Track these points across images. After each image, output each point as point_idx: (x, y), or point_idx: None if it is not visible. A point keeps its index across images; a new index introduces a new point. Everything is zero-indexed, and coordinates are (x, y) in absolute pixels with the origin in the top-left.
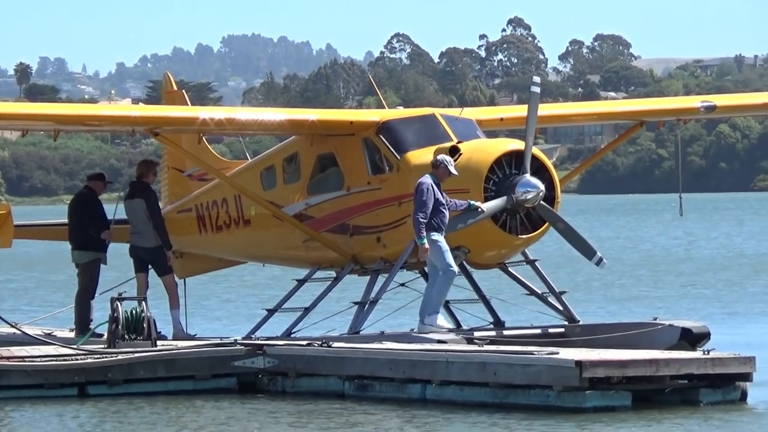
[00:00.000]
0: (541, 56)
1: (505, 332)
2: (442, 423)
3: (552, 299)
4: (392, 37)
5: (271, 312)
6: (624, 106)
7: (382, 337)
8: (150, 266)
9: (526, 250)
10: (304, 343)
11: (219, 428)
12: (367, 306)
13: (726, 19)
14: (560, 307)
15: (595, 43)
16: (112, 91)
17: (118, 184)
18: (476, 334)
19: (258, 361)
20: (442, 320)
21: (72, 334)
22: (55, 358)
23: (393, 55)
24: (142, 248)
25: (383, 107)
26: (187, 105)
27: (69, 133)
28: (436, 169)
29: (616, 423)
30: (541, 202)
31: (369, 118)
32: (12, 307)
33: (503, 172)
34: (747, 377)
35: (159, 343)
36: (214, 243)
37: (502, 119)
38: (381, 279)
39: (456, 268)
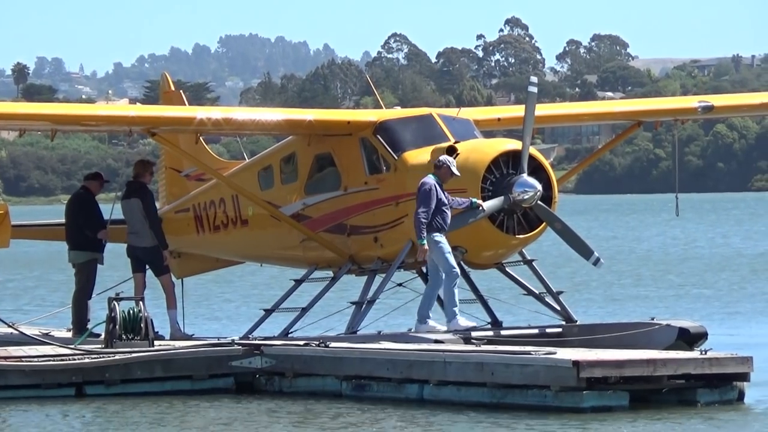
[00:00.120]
0: (538, 56)
1: (503, 332)
2: (442, 423)
3: (549, 299)
4: (389, 37)
5: (268, 312)
6: (621, 107)
7: (379, 337)
8: (147, 266)
9: (523, 250)
10: (302, 343)
11: (219, 428)
12: (364, 306)
13: (723, 19)
14: (558, 307)
15: (593, 43)
16: (110, 91)
17: (116, 183)
18: (474, 334)
19: (255, 361)
20: (465, 321)
21: (69, 334)
22: (52, 358)
23: (390, 55)
24: (139, 248)
25: (380, 107)
26: (185, 105)
27: (66, 133)
28: (439, 169)
29: (613, 423)
30: (539, 202)
31: (366, 118)
32: (14, 306)
33: (500, 172)
34: (744, 377)
35: (156, 343)
36: (212, 243)
37: (499, 119)
38: (378, 279)
39: (458, 270)
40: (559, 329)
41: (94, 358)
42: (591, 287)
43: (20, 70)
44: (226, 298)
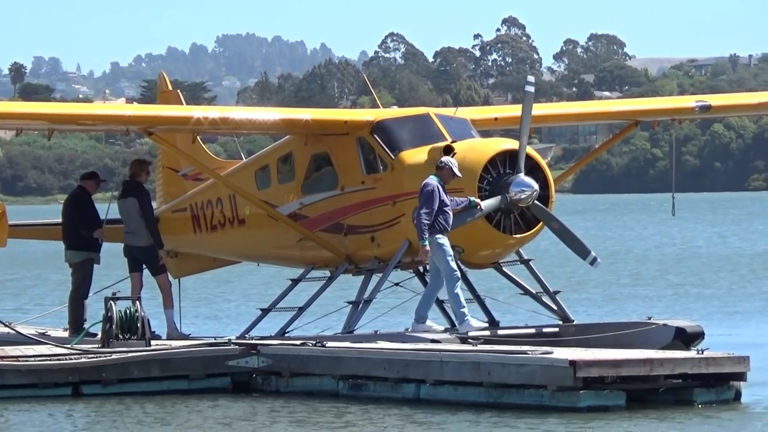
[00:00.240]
0: (535, 56)
1: (500, 332)
2: (443, 423)
3: (546, 299)
4: (386, 37)
5: (265, 311)
6: (619, 106)
7: (376, 336)
8: (144, 266)
9: (520, 249)
10: (299, 342)
11: (218, 428)
12: (361, 305)
13: (720, 19)
14: (554, 307)
15: (590, 43)
16: (107, 91)
17: (112, 183)
18: (470, 333)
19: (252, 361)
20: (476, 321)
21: (66, 334)
22: (49, 358)
23: (387, 55)
24: (135, 248)
25: (377, 107)
26: (182, 105)
27: (63, 133)
28: (441, 170)
29: (610, 423)
30: (536, 201)
31: (363, 118)
32: (14, 306)
33: (497, 172)
34: (741, 377)
35: (153, 342)
36: (209, 243)
37: (496, 119)
38: (375, 278)
39: (459, 273)
40: (556, 329)
41: (91, 357)
42: (589, 287)
43: (17, 70)
44: (224, 298)
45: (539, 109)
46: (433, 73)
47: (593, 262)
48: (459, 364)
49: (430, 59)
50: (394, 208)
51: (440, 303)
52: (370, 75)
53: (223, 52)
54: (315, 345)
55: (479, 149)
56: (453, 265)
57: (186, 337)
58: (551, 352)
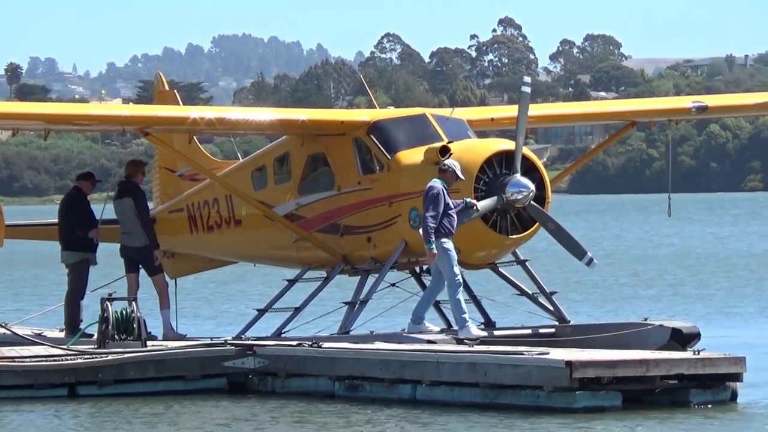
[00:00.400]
0: (531, 56)
1: (496, 332)
2: (444, 422)
3: (542, 299)
4: (383, 37)
5: (261, 312)
6: (616, 107)
7: (372, 337)
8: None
9: (516, 250)
10: (295, 343)
11: (217, 428)
12: (357, 306)
13: (716, 19)
14: (551, 308)
15: (586, 43)
16: (103, 91)
17: (108, 183)
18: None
19: (248, 362)
20: (476, 329)
21: (62, 335)
22: (45, 359)
23: (383, 55)
24: (131, 248)
25: (374, 107)
26: (179, 105)
27: (59, 133)
28: (444, 173)
29: (606, 423)
30: (532, 202)
31: (360, 118)
32: (15, 306)
33: (494, 172)
34: (737, 377)
35: (149, 343)
36: (206, 243)
37: (492, 119)
38: (371, 279)
39: (461, 279)
40: (552, 329)
41: (87, 358)
42: (587, 287)
43: (13, 70)
44: (220, 298)
45: (535, 109)
46: (429, 73)
47: (589, 262)
48: (455, 364)
49: (427, 60)
50: (391, 209)
51: (437, 304)
52: (366, 75)
53: (219, 52)
54: (311, 346)
55: (475, 150)
56: (456, 270)
57: (182, 338)
58: (547, 353)
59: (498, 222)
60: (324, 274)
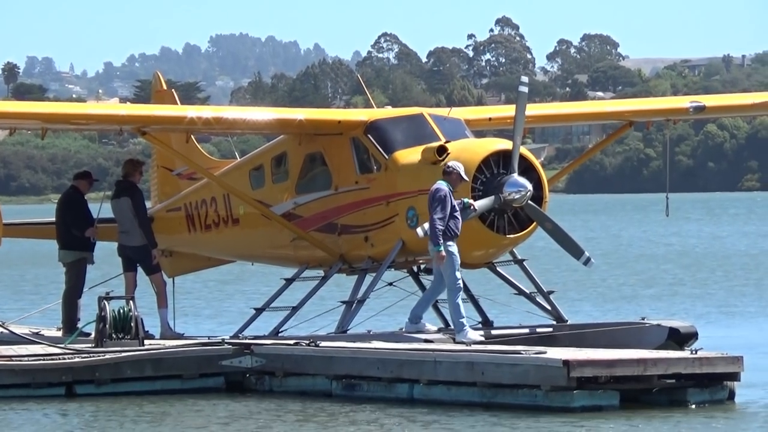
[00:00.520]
0: (528, 56)
1: (493, 332)
2: (444, 422)
3: (540, 299)
4: (380, 37)
5: (258, 311)
6: (613, 107)
7: (369, 336)
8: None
9: (514, 249)
10: (292, 342)
11: (217, 427)
12: (354, 305)
13: (714, 19)
14: (548, 307)
15: (583, 43)
16: (100, 91)
17: (105, 183)
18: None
19: (245, 361)
20: (474, 333)
21: (59, 333)
22: (42, 358)
23: (381, 55)
24: (129, 247)
25: (371, 107)
26: (177, 104)
27: (56, 132)
28: (449, 175)
29: (603, 423)
30: (529, 201)
31: (357, 118)
32: (15, 306)
33: (491, 172)
34: (735, 377)
35: (146, 342)
36: (203, 242)
37: (490, 119)
38: (369, 278)
39: (462, 284)
40: (550, 329)
41: (84, 357)
42: (586, 286)
43: (10, 70)
44: (220, 297)
45: (533, 109)
46: (426, 73)
47: (587, 262)
48: (453, 364)
49: (424, 59)
50: (388, 208)
51: (435, 304)
52: (363, 75)
53: (216, 52)
54: (308, 345)
55: (473, 149)
56: (458, 275)
57: (180, 337)
58: (545, 352)
59: (495, 221)
60: (321, 273)
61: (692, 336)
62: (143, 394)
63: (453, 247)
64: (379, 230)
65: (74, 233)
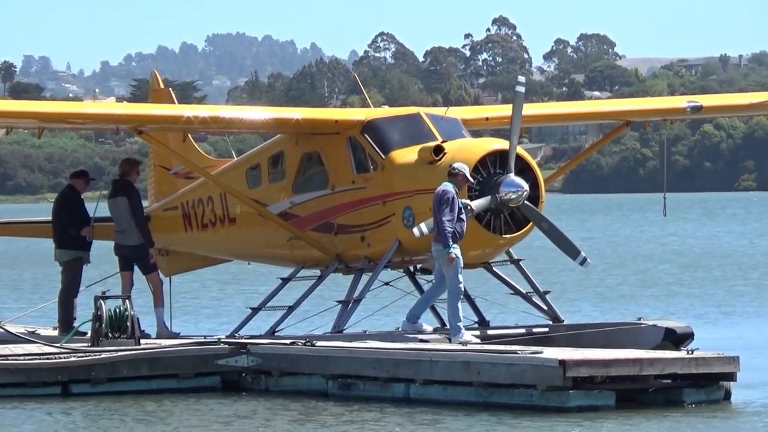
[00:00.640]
0: (525, 55)
1: (490, 331)
2: (443, 422)
3: (536, 299)
4: (377, 36)
5: (255, 310)
6: (610, 106)
7: (365, 336)
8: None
9: (510, 249)
10: (288, 341)
11: (217, 427)
12: (350, 305)
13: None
14: (544, 307)
15: (580, 43)
16: (97, 90)
17: (102, 182)
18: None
19: (242, 360)
20: (470, 336)
21: (55, 333)
22: (38, 357)
23: (378, 54)
24: (125, 246)
25: (368, 106)
26: (174, 103)
27: (53, 131)
28: (455, 177)
29: (599, 423)
30: (525, 201)
31: (354, 117)
32: (15, 306)
33: (487, 172)
34: (731, 377)
35: (142, 341)
36: (200, 241)
37: (487, 119)
38: (365, 278)
39: (463, 287)
40: (546, 329)
41: (80, 356)
42: (584, 286)
43: (7, 69)
44: (215, 296)
45: (529, 109)
46: (423, 72)
47: (583, 262)
48: (449, 363)
49: (421, 59)
50: (385, 208)
51: (432, 304)
52: (360, 74)
53: (213, 51)
54: (305, 344)
55: (469, 149)
56: (460, 278)
57: (176, 336)
58: (541, 352)
59: (492, 221)
60: (318, 272)
61: (688, 336)
62: (139, 394)
63: (456, 250)
64: (376, 230)
65: (70, 232)
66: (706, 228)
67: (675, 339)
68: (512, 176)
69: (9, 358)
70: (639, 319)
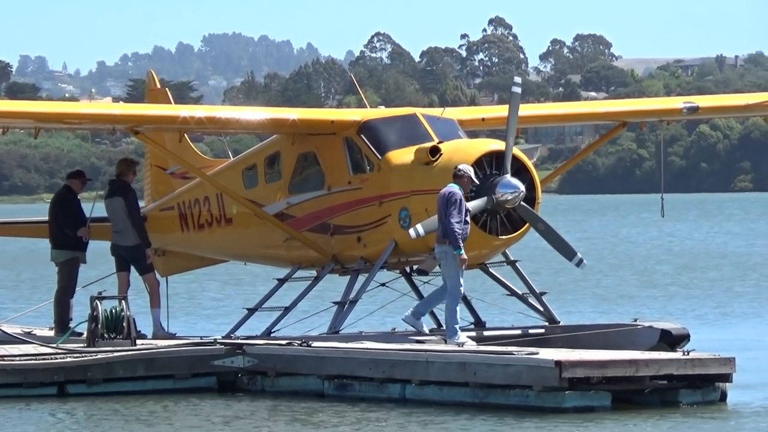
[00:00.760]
0: (521, 56)
1: (486, 332)
2: (443, 422)
3: (533, 300)
4: (373, 36)
5: (251, 311)
6: (607, 107)
7: (361, 336)
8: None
9: (506, 250)
10: (284, 342)
11: (217, 427)
12: (346, 306)
13: (707, 20)
14: (541, 308)
15: (576, 43)
16: (93, 90)
17: (98, 182)
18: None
19: (237, 361)
20: (466, 338)
21: (51, 333)
22: (34, 357)
23: (374, 55)
24: (122, 247)
25: (364, 106)
26: (171, 103)
27: (49, 132)
28: (460, 179)
29: (595, 423)
30: (522, 202)
31: (350, 118)
32: (15, 305)
33: (484, 173)
34: (727, 378)
35: (138, 342)
36: (196, 241)
37: (483, 119)
38: (361, 278)
39: (463, 289)
40: (542, 330)
41: (76, 357)
42: (582, 287)
43: (3, 69)
44: (212, 296)
45: (526, 109)
46: (419, 73)
47: (579, 263)
48: (445, 364)
49: (417, 59)
50: (381, 209)
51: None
52: (356, 75)
53: (209, 51)
54: (301, 345)
55: (465, 150)
56: (461, 280)
57: (172, 337)
58: (537, 353)
59: (488, 222)
60: (314, 273)
61: (684, 338)
62: (135, 394)
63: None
64: (372, 231)
65: (66, 232)
66: (703, 229)
67: (671, 340)
68: (509, 177)
69: (5, 358)
70: (635, 320)
